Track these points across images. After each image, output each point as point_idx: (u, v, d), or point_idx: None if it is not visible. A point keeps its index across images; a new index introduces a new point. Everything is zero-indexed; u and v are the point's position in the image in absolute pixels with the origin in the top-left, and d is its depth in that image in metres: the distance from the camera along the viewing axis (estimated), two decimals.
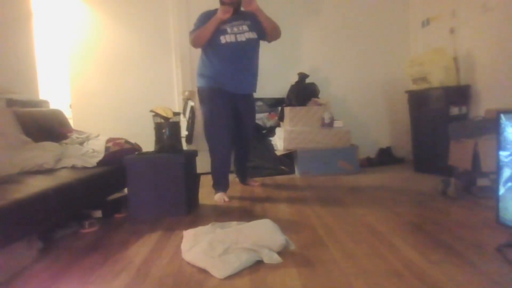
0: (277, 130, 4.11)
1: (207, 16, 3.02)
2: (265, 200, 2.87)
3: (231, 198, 2.95)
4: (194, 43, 3.05)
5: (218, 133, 3.00)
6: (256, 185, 3.40)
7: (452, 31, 3.62)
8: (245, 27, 3.02)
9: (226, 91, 3.01)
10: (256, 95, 3.33)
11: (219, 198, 2.92)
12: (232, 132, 3.08)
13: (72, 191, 2.05)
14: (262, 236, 1.74)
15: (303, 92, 4.08)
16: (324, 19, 4.44)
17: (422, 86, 3.57)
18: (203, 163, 3.27)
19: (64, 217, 2.11)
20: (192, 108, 3.84)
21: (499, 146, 1.77)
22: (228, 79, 3.03)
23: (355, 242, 1.84)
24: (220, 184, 3.03)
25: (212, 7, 4.39)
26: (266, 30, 3.02)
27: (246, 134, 3.27)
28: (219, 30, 3.00)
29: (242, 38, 2.99)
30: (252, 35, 3.01)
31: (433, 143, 3.41)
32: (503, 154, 1.74)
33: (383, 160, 4.28)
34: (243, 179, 3.49)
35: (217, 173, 3.05)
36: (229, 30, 3.01)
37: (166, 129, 2.63)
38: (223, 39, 2.98)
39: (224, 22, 2.99)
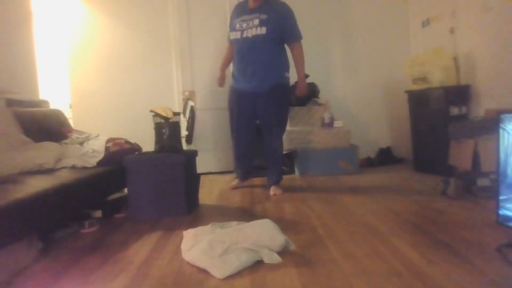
0: None
1: (234, 12, 3.16)
2: (265, 200, 2.87)
3: (231, 198, 2.97)
4: None
5: (233, 129, 3.21)
6: (273, 194, 3.03)
7: (452, 31, 3.62)
8: (256, 22, 2.91)
9: (240, 89, 3.07)
10: None
11: (233, 183, 3.36)
12: (253, 129, 3.17)
13: (72, 191, 2.05)
14: (262, 236, 1.74)
15: None
16: (324, 19, 4.44)
17: (422, 86, 3.57)
18: (203, 163, 3.28)
19: (64, 217, 2.11)
20: (192, 108, 3.83)
21: (499, 146, 1.77)
22: (238, 76, 3.08)
23: (355, 242, 1.84)
24: (237, 173, 3.43)
25: (212, 7, 4.40)
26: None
27: (264, 135, 3.11)
28: (231, 26, 3.08)
29: (248, 34, 2.93)
30: (261, 30, 2.89)
31: (433, 143, 3.41)
32: None
33: (383, 160, 4.28)
34: (245, 177, 3.37)
35: (235, 163, 3.40)
36: (237, 26, 3.00)
37: (166, 129, 2.62)
38: (232, 35, 3.05)
39: (237, 15, 3.06)
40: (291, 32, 2.98)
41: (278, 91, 3.01)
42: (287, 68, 3.09)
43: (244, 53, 2.98)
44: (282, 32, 2.95)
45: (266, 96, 3.00)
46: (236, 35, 3.00)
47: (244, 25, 2.95)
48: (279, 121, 3.09)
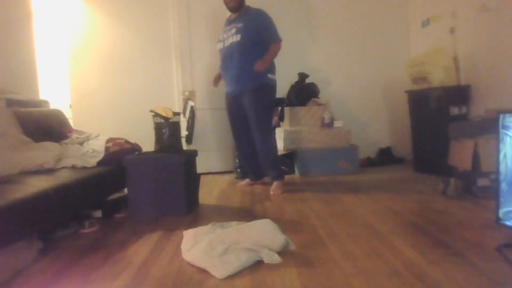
0: (277, 130, 4.11)
1: (223, 26, 3.38)
2: (265, 200, 2.87)
3: (231, 198, 2.98)
4: None
5: (232, 132, 3.45)
6: (272, 194, 3.04)
7: (452, 31, 3.62)
8: (233, 31, 3.17)
9: (228, 93, 3.31)
10: None
11: (242, 182, 3.49)
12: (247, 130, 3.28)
13: (72, 191, 2.05)
14: (262, 236, 1.74)
15: (303, 92, 4.08)
16: (324, 19, 4.45)
17: (422, 86, 3.57)
18: (203, 163, 3.28)
19: (64, 217, 2.11)
20: (192, 108, 3.84)
21: (499, 146, 1.77)
22: (225, 81, 3.33)
23: (355, 242, 1.84)
24: (245, 173, 3.63)
25: (212, 7, 4.41)
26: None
27: (253, 130, 3.21)
28: (218, 39, 3.34)
29: (227, 43, 3.19)
30: (236, 38, 3.12)
31: (433, 143, 3.41)
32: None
33: (383, 160, 4.28)
34: (256, 177, 3.47)
35: (242, 164, 3.72)
36: (221, 37, 3.29)
37: (166, 129, 2.63)
38: (217, 46, 3.32)
39: (222, 29, 3.34)
40: (266, 35, 3.12)
41: (260, 91, 3.14)
42: (271, 70, 3.20)
43: (225, 60, 3.24)
44: (259, 35, 3.11)
45: (248, 97, 3.16)
46: (220, 45, 3.27)
47: (225, 35, 3.23)
48: (260, 119, 3.17)
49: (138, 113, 3.86)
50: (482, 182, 2.57)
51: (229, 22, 3.27)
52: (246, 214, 2.48)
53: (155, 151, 2.64)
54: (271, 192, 3.06)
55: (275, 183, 3.14)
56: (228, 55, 3.18)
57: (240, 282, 1.47)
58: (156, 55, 4.27)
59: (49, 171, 2.27)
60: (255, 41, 3.09)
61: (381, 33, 4.45)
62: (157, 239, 2.04)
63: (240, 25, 3.12)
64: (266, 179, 3.40)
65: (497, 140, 1.78)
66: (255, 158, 3.34)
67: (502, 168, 1.75)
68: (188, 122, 3.81)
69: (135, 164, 2.52)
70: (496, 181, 1.79)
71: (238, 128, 3.35)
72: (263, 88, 3.15)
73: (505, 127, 1.76)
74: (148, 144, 2.79)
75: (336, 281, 1.43)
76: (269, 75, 3.17)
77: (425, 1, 4.14)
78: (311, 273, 1.52)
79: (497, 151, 1.77)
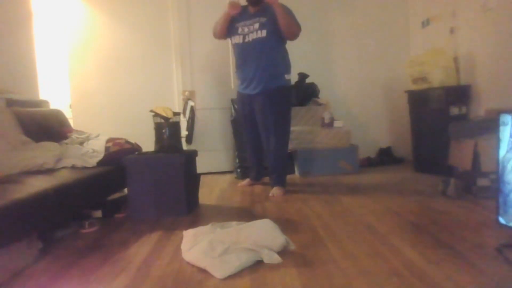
0: None
1: (235, 16, 3.11)
2: (265, 200, 2.87)
3: (231, 198, 2.99)
4: (213, 34, 3.22)
5: (243, 133, 3.41)
6: (271, 196, 2.97)
7: (452, 31, 3.62)
8: (256, 26, 2.98)
9: (243, 93, 3.17)
10: None
11: (243, 182, 3.44)
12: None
13: (72, 191, 2.05)
14: (262, 236, 1.74)
15: (303, 92, 4.08)
16: (324, 19, 4.44)
17: (422, 86, 3.57)
18: (203, 163, 3.27)
19: (64, 217, 2.11)
20: (192, 108, 3.83)
21: (499, 146, 1.77)
22: (240, 79, 3.18)
23: (355, 242, 1.84)
24: (249, 172, 3.51)
25: (212, 7, 4.40)
26: (281, 27, 2.91)
27: (263, 138, 3.13)
28: (233, 29, 3.09)
29: (249, 38, 3.00)
30: (261, 34, 2.95)
31: (433, 143, 3.41)
32: None
33: (383, 160, 4.28)
34: (257, 177, 3.44)
35: (249, 163, 3.54)
36: (239, 30, 3.06)
37: (166, 129, 2.63)
38: (233, 39, 3.10)
39: (238, 20, 3.06)
40: None
41: (276, 94, 3.03)
42: (287, 70, 3.12)
43: (245, 57, 3.06)
44: (278, 31, 2.95)
45: (264, 99, 3.03)
46: (238, 39, 3.06)
47: (246, 29, 3.01)
48: (278, 123, 3.04)
49: (138, 113, 3.86)
50: (482, 182, 2.57)
51: (250, 15, 3.04)
52: (246, 214, 2.48)
53: (155, 151, 2.65)
54: (270, 194, 3.00)
55: (276, 188, 3.05)
56: (250, 52, 3.01)
57: (240, 282, 1.47)
58: (156, 55, 4.27)
59: (49, 171, 2.27)
60: (280, 36, 2.95)
61: (381, 33, 4.45)
62: (157, 239, 2.04)
63: (264, 19, 2.94)
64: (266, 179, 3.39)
65: (497, 143, 1.76)
66: (261, 158, 3.32)
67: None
68: (188, 122, 3.80)
69: (135, 164, 2.52)
70: (497, 187, 1.77)
71: (252, 126, 3.21)
72: (279, 90, 3.04)
73: None
74: (148, 144, 2.79)
75: (336, 281, 1.43)
76: (286, 76, 3.08)
77: (425, 1, 4.14)
78: (311, 273, 1.52)
79: (497, 155, 1.76)
